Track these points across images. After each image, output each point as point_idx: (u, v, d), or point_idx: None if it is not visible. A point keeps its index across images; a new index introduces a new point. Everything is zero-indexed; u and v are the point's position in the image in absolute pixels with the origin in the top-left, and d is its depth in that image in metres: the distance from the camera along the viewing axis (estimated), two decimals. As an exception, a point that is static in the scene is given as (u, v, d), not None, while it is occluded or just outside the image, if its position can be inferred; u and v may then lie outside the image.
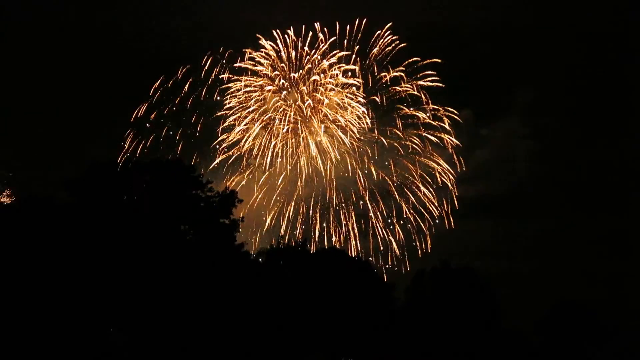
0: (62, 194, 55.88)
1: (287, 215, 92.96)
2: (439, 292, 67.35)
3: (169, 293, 54.13)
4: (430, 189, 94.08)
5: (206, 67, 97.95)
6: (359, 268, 65.36)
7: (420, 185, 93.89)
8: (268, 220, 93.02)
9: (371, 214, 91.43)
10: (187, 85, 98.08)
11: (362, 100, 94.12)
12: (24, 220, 52.12)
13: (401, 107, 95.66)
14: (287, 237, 67.85)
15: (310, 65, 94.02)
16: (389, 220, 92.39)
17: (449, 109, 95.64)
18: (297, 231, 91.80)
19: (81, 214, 54.02)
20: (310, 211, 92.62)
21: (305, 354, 59.26)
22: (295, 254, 63.16)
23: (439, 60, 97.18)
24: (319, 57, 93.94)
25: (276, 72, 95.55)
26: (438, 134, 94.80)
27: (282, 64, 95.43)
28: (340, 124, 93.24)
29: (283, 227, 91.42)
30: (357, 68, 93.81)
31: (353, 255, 69.40)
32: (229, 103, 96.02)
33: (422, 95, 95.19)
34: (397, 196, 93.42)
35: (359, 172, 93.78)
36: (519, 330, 71.73)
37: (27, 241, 51.25)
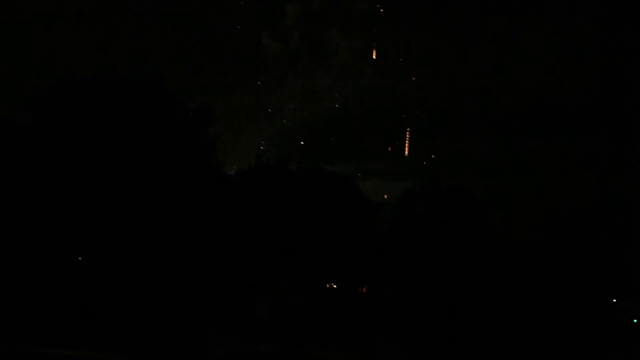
0: (25, 114, 53.89)
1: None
2: (430, 213, 64.10)
3: (138, 216, 52.78)
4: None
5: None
6: (343, 186, 62.46)
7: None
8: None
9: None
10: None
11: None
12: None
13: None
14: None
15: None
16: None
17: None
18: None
19: (42, 136, 52.21)
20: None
21: (281, 279, 57.65)
22: (275, 173, 60.55)
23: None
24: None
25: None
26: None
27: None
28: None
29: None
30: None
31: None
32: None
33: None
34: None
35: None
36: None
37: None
